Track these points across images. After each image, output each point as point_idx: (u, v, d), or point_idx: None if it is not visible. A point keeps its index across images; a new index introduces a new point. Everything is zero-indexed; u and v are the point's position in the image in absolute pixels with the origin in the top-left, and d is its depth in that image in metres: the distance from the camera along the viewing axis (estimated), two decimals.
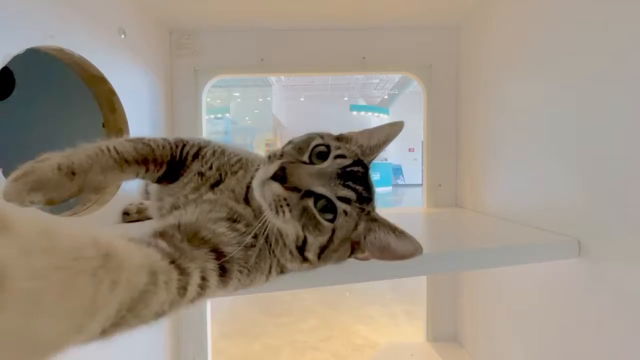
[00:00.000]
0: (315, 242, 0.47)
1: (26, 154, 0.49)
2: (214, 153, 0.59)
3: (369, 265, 0.54)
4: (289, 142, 0.53)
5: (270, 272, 0.49)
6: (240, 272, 0.45)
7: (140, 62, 0.99)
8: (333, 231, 0.47)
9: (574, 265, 0.64)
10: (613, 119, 0.58)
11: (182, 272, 0.36)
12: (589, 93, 0.63)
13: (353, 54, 1.14)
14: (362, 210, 0.48)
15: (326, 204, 0.47)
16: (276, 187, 0.45)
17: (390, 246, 0.48)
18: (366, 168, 0.52)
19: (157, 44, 1.09)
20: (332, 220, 0.47)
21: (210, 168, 0.57)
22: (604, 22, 0.60)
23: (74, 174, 0.49)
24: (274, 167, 0.46)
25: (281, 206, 0.46)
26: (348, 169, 0.48)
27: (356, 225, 0.49)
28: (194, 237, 0.43)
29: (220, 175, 0.56)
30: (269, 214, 0.46)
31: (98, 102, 0.89)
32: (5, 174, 0.56)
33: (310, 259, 0.49)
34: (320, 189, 0.46)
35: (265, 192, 0.46)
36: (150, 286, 0.30)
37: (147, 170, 0.56)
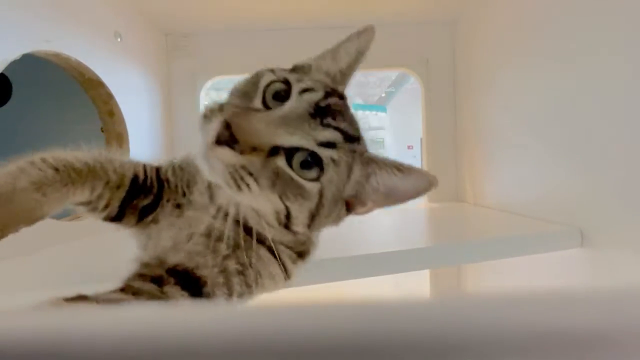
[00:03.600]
0: (302, 211, 0.37)
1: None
2: (173, 171, 0.46)
3: (370, 261, 0.53)
4: (231, 92, 0.40)
5: (284, 266, 0.40)
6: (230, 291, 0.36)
7: (137, 66, 0.99)
8: (321, 192, 0.36)
9: (577, 255, 0.64)
10: (612, 109, 0.58)
11: None
12: (588, 82, 0.63)
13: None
14: (354, 152, 0.38)
15: (305, 158, 0.35)
16: (225, 154, 0.32)
17: (398, 188, 0.39)
18: (343, 97, 0.41)
19: (153, 46, 1.09)
20: (318, 178, 0.36)
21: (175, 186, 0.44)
22: (601, 12, 0.60)
23: None
24: (214, 128, 0.32)
25: (241, 178, 0.33)
26: (323, 104, 0.37)
27: (349, 173, 0.38)
28: (159, 268, 0.35)
29: (184, 190, 0.44)
30: (229, 194, 0.35)
31: (96, 107, 0.89)
32: None
33: (301, 232, 0.39)
34: (291, 139, 0.34)
35: (213, 166, 0.34)
36: None
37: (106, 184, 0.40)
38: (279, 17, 1.09)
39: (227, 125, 0.32)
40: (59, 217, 0.73)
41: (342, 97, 0.40)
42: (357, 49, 0.43)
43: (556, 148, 0.71)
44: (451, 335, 0.10)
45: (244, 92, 0.38)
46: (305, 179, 0.35)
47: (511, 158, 0.88)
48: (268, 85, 0.38)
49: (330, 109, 0.37)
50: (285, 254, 0.41)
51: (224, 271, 0.36)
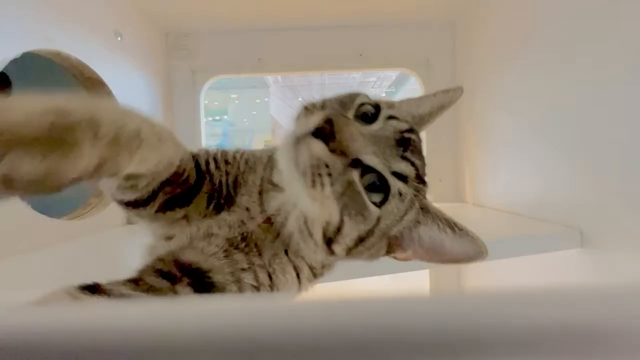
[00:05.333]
0: (353, 231, 0.35)
1: None
2: (216, 164, 0.43)
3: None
4: (327, 100, 0.40)
5: (299, 281, 0.39)
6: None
7: (137, 65, 0.99)
8: (378, 219, 0.36)
9: (576, 255, 0.64)
10: (612, 110, 0.58)
11: None
12: (589, 83, 0.63)
13: (350, 51, 1.14)
14: (417, 194, 0.37)
15: (374, 180, 0.35)
16: (318, 147, 0.33)
17: (445, 247, 0.37)
18: (420, 139, 0.41)
19: (153, 46, 1.09)
20: (380, 204, 0.35)
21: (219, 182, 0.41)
22: (602, 13, 0.60)
23: (94, 132, 0.26)
24: (316, 119, 0.34)
25: (320, 175, 0.33)
26: (406, 135, 0.37)
27: (405, 214, 0.37)
28: (172, 265, 0.33)
29: (229, 190, 0.41)
30: (298, 189, 0.34)
31: None
32: None
33: (338, 253, 0.37)
34: (373, 159, 0.35)
35: (300, 154, 0.33)
36: None
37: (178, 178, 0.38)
38: (279, 16, 1.09)
39: (329, 122, 0.34)
40: (58, 214, 0.73)
41: (419, 138, 0.41)
42: (441, 104, 0.45)
43: (556, 149, 0.71)
44: (451, 332, 0.10)
45: (341, 102, 0.39)
46: (370, 200, 0.35)
47: (511, 158, 0.88)
48: (361, 105, 0.39)
49: (411, 144, 0.38)
50: (305, 274, 0.40)
51: (238, 282, 0.34)
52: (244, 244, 0.37)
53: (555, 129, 0.71)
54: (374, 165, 0.35)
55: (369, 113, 0.38)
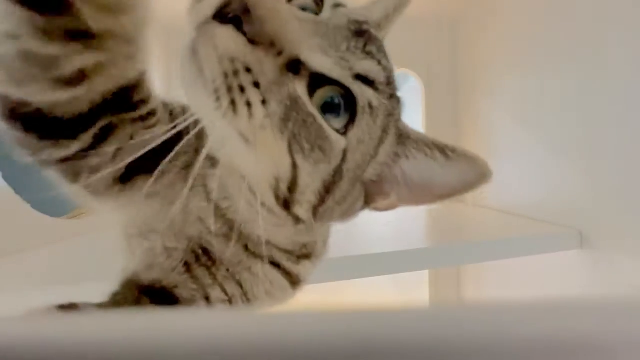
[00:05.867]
0: (313, 178, 0.25)
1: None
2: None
3: (369, 261, 0.53)
4: None
5: (286, 275, 0.31)
6: None
7: None
8: (345, 153, 0.25)
9: (576, 256, 0.64)
10: (613, 111, 0.58)
11: None
12: (589, 84, 0.63)
13: None
14: (392, 112, 0.27)
15: (334, 97, 0.24)
16: (228, 37, 0.21)
17: (436, 179, 0.29)
18: (382, 43, 0.29)
19: (154, 44, 1.09)
20: (345, 130, 0.25)
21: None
22: (602, 13, 0.60)
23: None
24: None
25: (241, 88, 0.22)
26: (365, 27, 0.26)
27: (381, 141, 0.27)
28: (135, 290, 0.28)
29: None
30: (217, 125, 0.23)
31: None
32: (6, 178, 0.57)
33: (303, 217, 0.27)
34: (322, 61, 0.23)
35: (202, 60, 0.22)
36: None
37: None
38: None
39: None
40: (58, 213, 0.73)
41: (381, 41, 0.30)
42: (397, 2, 0.33)
43: (556, 150, 0.71)
44: (451, 344, 0.10)
45: None
46: (330, 125, 0.24)
47: (511, 159, 0.88)
48: None
49: (372, 37, 0.26)
50: (284, 259, 0.32)
51: (206, 298, 0.29)
52: (206, 258, 0.29)
53: (556, 130, 0.71)
54: (326, 71, 0.23)
55: (311, 4, 0.26)
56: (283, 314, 0.12)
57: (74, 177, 0.28)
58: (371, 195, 0.30)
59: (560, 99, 0.70)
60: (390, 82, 0.27)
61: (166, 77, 1.15)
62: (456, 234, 0.73)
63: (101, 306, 0.28)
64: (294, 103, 0.23)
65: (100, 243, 0.70)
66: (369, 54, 0.26)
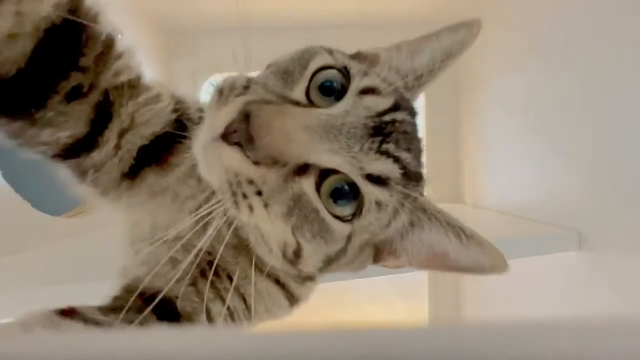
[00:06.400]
0: (316, 254, 0.27)
1: (26, 157, 0.49)
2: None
3: None
4: (269, 66, 0.31)
5: (290, 292, 0.32)
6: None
7: None
8: (350, 238, 0.26)
9: (575, 258, 0.64)
10: (613, 111, 0.58)
11: None
12: (589, 84, 0.63)
13: (351, 51, 1.14)
14: (407, 196, 0.27)
15: (343, 185, 0.25)
16: (233, 158, 0.23)
17: (449, 255, 0.29)
18: (414, 114, 0.30)
19: (154, 44, 1.09)
20: (352, 219, 0.26)
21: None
22: (603, 14, 0.60)
23: None
24: (227, 115, 0.23)
25: (244, 195, 0.24)
26: (388, 118, 0.26)
27: (392, 220, 0.28)
28: (137, 297, 0.27)
29: None
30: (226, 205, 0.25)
31: None
32: (6, 177, 0.57)
33: (309, 273, 0.30)
34: (331, 160, 0.24)
35: (211, 166, 0.24)
36: None
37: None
38: (281, 15, 1.09)
39: (247, 117, 0.22)
40: (57, 214, 0.73)
41: (413, 112, 0.29)
42: (446, 49, 0.31)
43: (556, 151, 0.71)
44: None
45: (286, 72, 0.28)
46: (334, 215, 0.25)
47: (511, 160, 0.88)
48: (319, 71, 0.27)
49: (396, 129, 0.26)
50: (289, 279, 0.33)
51: (209, 313, 0.29)
52: (211, 272, 0.29)
53: (556, 131, 0.71)
54: (336, 166, 0.24)
55: (334, 83, 0.26)
56: (282, 332, 0.11)
57: (81, 175, 0.29)
58: (381, 254, 0.31)
59: (560, 100, 0.70)
60: (408, 172, 0.27)
61: (166, 77, 1.15)
62: None
63: (101, 309, 0.28)
64: (297, 201, 0.25)
65: (100, 242, 0.70)
66: (384, 153, 0.26)
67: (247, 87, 0.26)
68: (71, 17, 0.26)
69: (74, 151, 0.28)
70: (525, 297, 0.82)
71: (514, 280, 0.85)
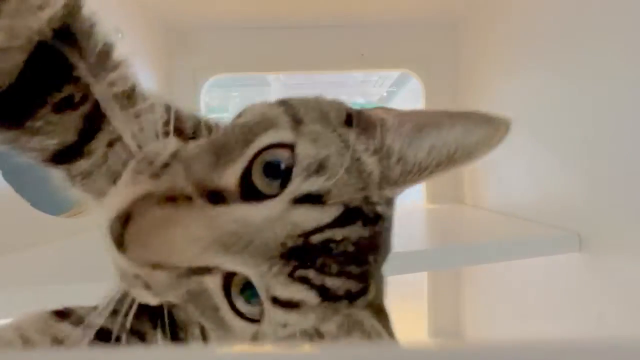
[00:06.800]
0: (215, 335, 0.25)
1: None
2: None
3: None
4: (239, 115, 0.26)
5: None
6: None
7: (138, 62, 0.99)
8: (255, 337, 0.23)
9: (574, 259, 0.64)
10: (613, 111, 0.58)
11: None
12: (589, 85, 0.63)
13: (352, 51, 1.14)
14: (335, 309, 0.23)
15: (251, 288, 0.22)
16: (115, 254, 0.21)
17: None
18: (375, 221, 0.24)
19: (155, 43, 1.09)
20: (258, 318, 0.23)
21: None
22: (604, 15, 0.60)
23: None
24: (116, 207, 0.21)
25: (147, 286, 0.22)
26: (316, 239, 0.21)
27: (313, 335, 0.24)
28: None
29: None
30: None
31: None
32: (6, 177, 0.57)
33: None
34: (234, 267, 0.21)
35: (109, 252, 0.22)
36: None
37: None
38: (281, 14, 1.09)
39: (126, 220, 0.20)
40: (57, 213, 0.73)
41: (375, 221, 0.23)
42: (461, 145, 0.26)
43: (556, 151, 0.71)
44: None
45: (223, 147, 0.22)
46: (237, 313, 0.22)
47: (511, 160, 0.88)
48: (265, 150, 0.22)
49: (326, 251, 0.21)
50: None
51: (202, 327, 0.27)
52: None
53: (556, 131, 0.71)
54: (245, 275, 0.21)
55: (282, 164, 0.21)
56: (282, 352, 0.11)
57: (71, 180, 0.28)
58: None
59: (559, 100, 0.70)
60: (334, 296, 0.22)
61: (167, 76, 1.14)
62: (455, 236, 0.73)
63: (97, 311, 0.27)
64: (199, 294, 0.22)
65: (100, 242, 0.70)
66: (298, 279, 0.21)
67: (167, 164, 0.22)
68: (64, 32, 0.26)
69: (63, 157, 0.27)
70: (524, 297, 0.82)
71: (513, 280, 0.85)
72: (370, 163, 0.24)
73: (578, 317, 0.65)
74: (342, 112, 0.25)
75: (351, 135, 0.24)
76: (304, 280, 0.21)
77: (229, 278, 0.22)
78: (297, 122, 0.23)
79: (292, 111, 0.24)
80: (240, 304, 0.22)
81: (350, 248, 0.22)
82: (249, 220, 0.21)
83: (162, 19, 1.09)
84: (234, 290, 0.22)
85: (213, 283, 0.22)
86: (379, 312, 0.25)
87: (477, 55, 1.06)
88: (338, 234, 0.22)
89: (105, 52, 0.29)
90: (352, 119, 0.25)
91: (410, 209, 1.12)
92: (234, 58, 1.16)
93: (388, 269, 0.56)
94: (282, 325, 0.22)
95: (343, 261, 0.22)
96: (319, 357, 0.10)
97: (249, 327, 0.22)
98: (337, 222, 0.21)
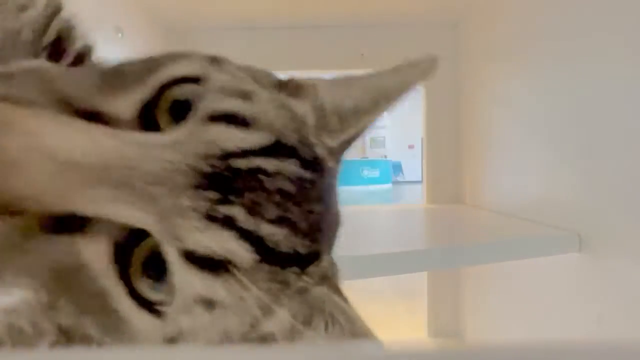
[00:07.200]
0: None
1: None
2: None
3: (367, 262, 0.53)
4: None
5: None
6: None
7: None
8: (171, 339, 0.16)
9: (574, 260, 0.64)
10: (613, 111, 0.58)
11: None
12: (590, 86, 0.63)
13: (352, 51, 1.14)
14: (285, 282, 0.17)
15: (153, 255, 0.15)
16: None
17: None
18: (317, 168, 0.19)
19: (155, 43, 1.09)
20: (162, 308, 0.15)
21: None
22: (604, 16, 0.60)
23: None
24: None
25: None
26: (242, 163, 0.16)
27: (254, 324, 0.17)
28: None
29: None
30: None
31: None
32: None
33: None
34: (124, 213, 0.14)
35: None
36: None
37: None
38: (282, 14, 1.09)
39: None
40: None
41: (314, 166, 0.19)
42: (381, 88, 0.24)
43: (556, 151, 0.71)
44: None
45: (116, 72, 0.18)
46: (140, 301, 0.15)
47: (511, 160, 0.88)
48: (177, 82, 0.18)
49: (258, 184, 0.16)
50: None
51: None
52: None
53: (556, 132, 0.71)
54: (142, 225, 0.15)
55: (184, 100, 0.17)
56: (280, 350, 0.11)
57: None
58: None
59: (559, 100, 0.70)
60: (276, 255, 0.16)
61: None
62: (454, 236, 0.73)
63: None
64: (67, 278, 0.14)
65: None
66: (219, 220, 0.15)
67: (12, 74, 0.16)
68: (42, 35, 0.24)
69: None
70: (524, 297, 0.82)
71: (513, 281, 0.85)
72: (304, 110, 0.20)
73: (578, 317, 0.65)
74: (272, 77, 0.23)
75: (281, 95, 0.21)
76: (229, 223, 0.15)
77: (124, 245, 0.15)
78: (216, 63, 0.21)
79: (214, 57, 0.21)
80: (144, 288, 0.15)
81: (289, 187, 0.17)
82: (149, 144, 0.15)
83: (162, 19, 1.08)
84: (135, 268, 0.15)
85: (95, 251, 0.14)
86: (339, 292, 0.20)
87: (477, 55, 1.06)
88: (269, 164, 0.16)
89: (83, 55, 0.28)
90: (282, 85, 0.23)
91: (410, 209, 1.12)
92: (234, 58, 1.15)
93: (388, 269, 0.56)
94: (204, 303, 0.15)
95: (282, 202, 0.17)
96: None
97: (160, 325, 0.15)
98: (267, 152, 0.17)
